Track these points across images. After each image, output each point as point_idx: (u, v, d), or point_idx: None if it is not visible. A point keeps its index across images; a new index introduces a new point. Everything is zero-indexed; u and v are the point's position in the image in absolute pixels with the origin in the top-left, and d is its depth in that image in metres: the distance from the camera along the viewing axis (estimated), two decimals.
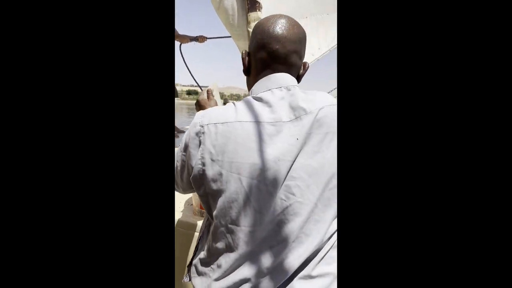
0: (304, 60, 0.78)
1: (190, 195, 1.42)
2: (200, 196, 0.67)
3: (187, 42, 2.83)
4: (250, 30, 1.84)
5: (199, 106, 0.99)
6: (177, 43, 2.77)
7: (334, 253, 0.60)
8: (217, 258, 0.61)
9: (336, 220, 0.61)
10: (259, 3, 1.77)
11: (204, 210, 0.69)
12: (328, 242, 0.60)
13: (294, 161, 0.58)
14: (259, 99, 0.64)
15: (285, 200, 0.57)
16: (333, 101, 0.66)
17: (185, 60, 3.02)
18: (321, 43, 2.25)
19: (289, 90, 0.65)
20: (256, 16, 1.81)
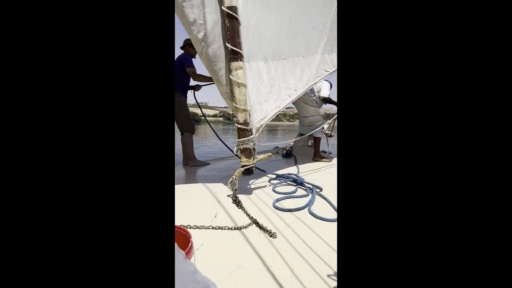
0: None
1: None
2: None
3: (199, 89, 2.89)
4: (232, 78, 1.94)
5: None
6: (191, 88, 2.78)
7: None
8: None
9: None
10: (241, 53, 1.89)
11: None
12: None
13: None
14: None
15: None
16: None
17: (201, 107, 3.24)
18: (298, 85, 2.43)
19: None
20: (238, 65, 1.93)
